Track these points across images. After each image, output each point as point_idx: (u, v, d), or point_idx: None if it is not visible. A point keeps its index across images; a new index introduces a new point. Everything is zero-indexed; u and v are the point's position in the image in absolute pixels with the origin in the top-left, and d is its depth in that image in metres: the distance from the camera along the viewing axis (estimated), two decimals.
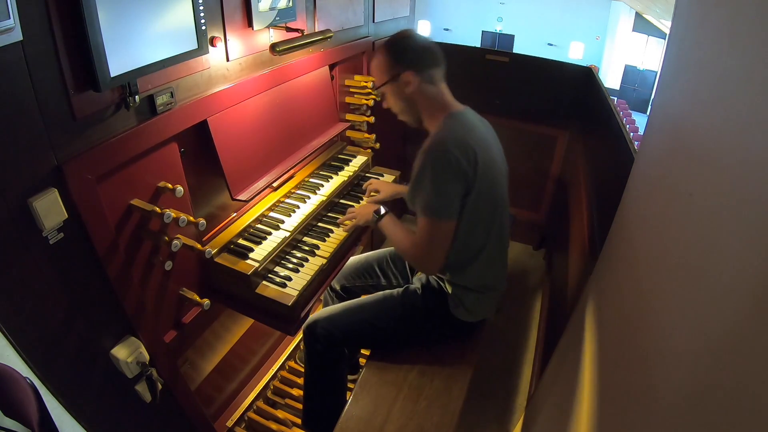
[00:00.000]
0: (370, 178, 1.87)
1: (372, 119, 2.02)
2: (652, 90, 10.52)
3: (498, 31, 12.69)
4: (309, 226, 1.54)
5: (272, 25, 1.39)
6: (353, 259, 1.65)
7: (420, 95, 1.26)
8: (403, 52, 1.25)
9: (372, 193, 1.67)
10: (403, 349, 1.44)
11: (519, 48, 11.98)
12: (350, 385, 1.74)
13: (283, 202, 1.59)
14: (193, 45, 1.07)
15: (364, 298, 1.51)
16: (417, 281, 1.45)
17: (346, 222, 1.52)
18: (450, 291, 1.36)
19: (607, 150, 1.74)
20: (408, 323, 1.42)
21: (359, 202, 1.71)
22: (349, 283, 1.66)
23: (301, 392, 1.72)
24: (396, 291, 1.45)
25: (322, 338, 1.41)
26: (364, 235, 1.74)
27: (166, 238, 1.09)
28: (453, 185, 1.17)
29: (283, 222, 1.48)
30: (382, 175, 1.90)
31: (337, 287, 1.68)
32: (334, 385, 1.49)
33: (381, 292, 1.48)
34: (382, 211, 1.41)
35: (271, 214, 1.52)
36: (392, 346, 1.45)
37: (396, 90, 1.27)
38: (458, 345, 1.45)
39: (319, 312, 1.48)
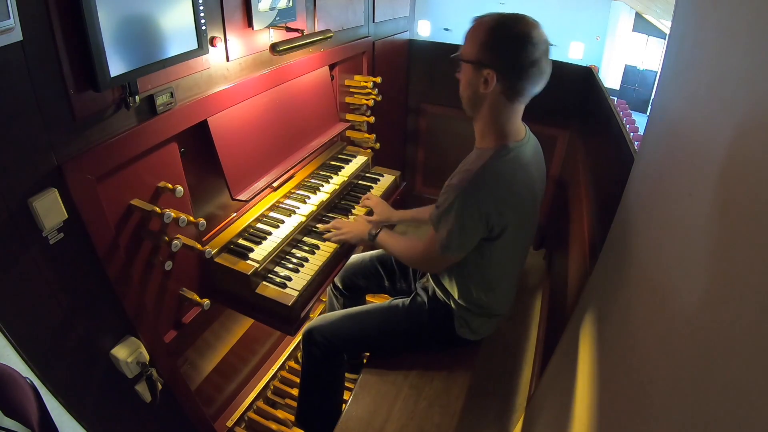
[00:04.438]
0: (370, 178, 1.87)
1: (372, 119, 2.02)
2: (652, 90, 10.52)
3: None
4: (309, 226, 1.54)
5: (272, 25, 1.39)
6: (356, 257, 1.65)
7: (490, 102, 1.07)
8: (507, 48, 1.00)
9: (366, 207, 1.65)
10: (403, 356, 1.44)
11: None
12: (350, 385, 1.74)
13: (283, 202, 1.59)
14: (193, 45, 1.07)
15: (367, 306, 1.48)
16: (422, 291, 1.42)
17: (333, 237, 1.45)
18: (456, 311, 1.34)
19: (607, 150, 1.74)
20: (411, 338, 1.41)
21: (358, 203, 1.71)
22: (351, 281, 1.66)
23: None
24: (401, 303, 1.42)
25: (321, 345, 1.40)
26: None
27: (166, 238, 1.09)
28: (474, 231, 1.12)
29: (283, 222, 1.48)
30: (382, 176, 1.90)
31: (340, 285, 1.67)
32: (330, 390, 1.48)
33: (386, 303, 1.45)
34: (376, 230, 1.40)
35: (271, 214, 1.52)
36: (392, 354, 1.44)
37: (471, 77, 1.06)
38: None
39: (319, 318, 1.47)
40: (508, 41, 1.00)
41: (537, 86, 1.05)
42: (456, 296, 1.32)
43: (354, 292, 1.69)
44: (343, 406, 1.35)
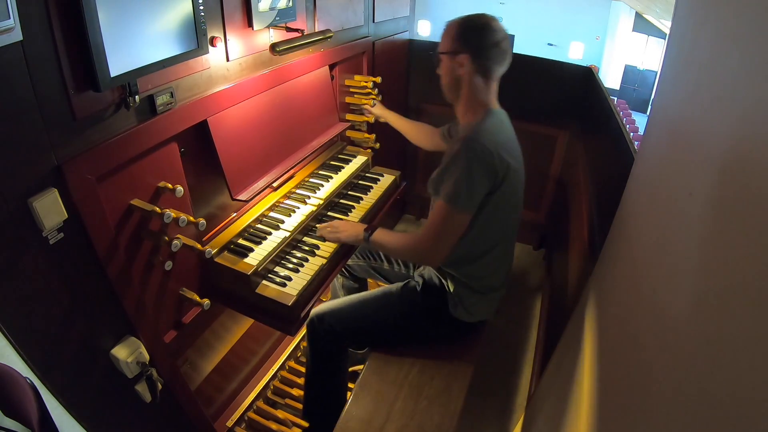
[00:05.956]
0: (370, 178, 1.87)
1: (372, 119, 2.02)
2: (652, 90, 10.53)
3: None
4: (309, 226, 1.54)
5: (272, 25, 1.39)
6: None
7: (468, 82, 1.27)
8: (473, 35, 1.24)
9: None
10: (402, 346, 1.44)
11: (519, 48, 11.87)
12: (351, 385, 1.74)
13: (283, 202, 1.59)
14: (193, 45, 1.07)
15: (365, 293, 1.53)
16: (418, 276, 1.47)
17: (328, 235, 1.46)
18: (452, 289, 1.36)
19: (607, 150, 1.74)
20: (407, 320, 1.43)
21: (359, 202, 1.71)
22: (352, 261, 1.70)
23: (301, 392, 1.73)
24: (396, 286, 1.47)
25: (324, 332, 1.44)
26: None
27: (166, 238, 1.09)
28: (482, 179, 1.19)
29: (283, 222, 1.48)
30: (382, 176, 1.90)
31: None
32: (335, 378, 1.51)
33: (382, 289, 1.49)
34: (370, 230, 1.40)
35: (271, 214, 1.52)
36: (391, 343, 1.45)
37: (449, 65, 1.29)
38: (458, 344, 1.46)
39: (322, 306, 1.50)
40: (473, 30, 1.25)
41: (502, 66, 1.28)
42: (451, 271, 1.36)
43: (352, 273, 1.74)
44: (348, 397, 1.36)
